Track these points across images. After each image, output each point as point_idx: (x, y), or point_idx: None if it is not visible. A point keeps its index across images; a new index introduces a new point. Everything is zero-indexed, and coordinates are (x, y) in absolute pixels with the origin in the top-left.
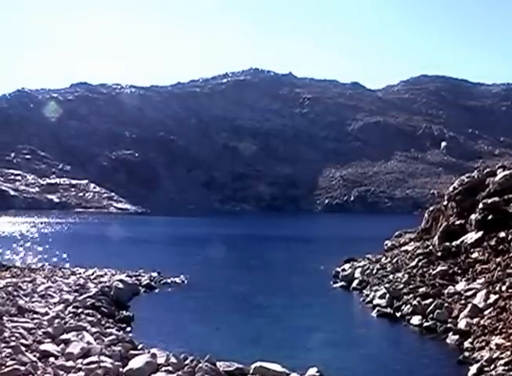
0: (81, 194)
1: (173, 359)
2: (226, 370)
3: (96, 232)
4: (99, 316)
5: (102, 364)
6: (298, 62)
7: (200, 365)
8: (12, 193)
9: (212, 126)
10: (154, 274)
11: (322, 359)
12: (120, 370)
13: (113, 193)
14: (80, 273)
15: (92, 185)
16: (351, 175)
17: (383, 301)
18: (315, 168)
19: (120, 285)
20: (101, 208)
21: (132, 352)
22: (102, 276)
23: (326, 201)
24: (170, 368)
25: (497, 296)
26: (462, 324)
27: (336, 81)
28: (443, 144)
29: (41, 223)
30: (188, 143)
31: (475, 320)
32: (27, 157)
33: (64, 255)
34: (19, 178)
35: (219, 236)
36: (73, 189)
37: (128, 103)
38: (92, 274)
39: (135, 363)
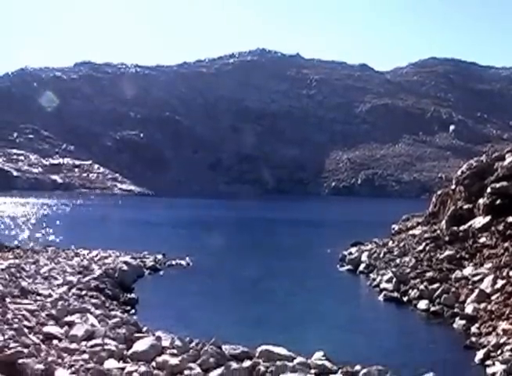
0: (84, 175)
1: (178, 342)
2: (232, 354)
3: (100, 213)
4: (103, 298)
5: (106, 347)
6: (306, 43)
7: (206, 348)
8: (15, 173)
9: (218, 107)
10: (159, 256)
11: (328, 343)
12: (125, 352)
13: (117, 174)
14: (83, 255)
15: (96, 165)
16: (359, 157)
17: (390, 286)
18: (322, 151)
19: (125, 267)
20: (105, 189)
21: (137, 334)
22: (106, 257)
23: (333, 184)
24: (175, 351)
25: (504, 281)
26: (469, 309)
27: (344, 62)
28: (451, 128)
29: (44, 204)
30: (193, 124)
31: (482, 305)
32: (30, 136)
33: (67, 237)
34: (21, 158)
35: (225, 218)
36: (76, 170)
37: (132, 82)
38: (96, 256)
39: (140, 345)
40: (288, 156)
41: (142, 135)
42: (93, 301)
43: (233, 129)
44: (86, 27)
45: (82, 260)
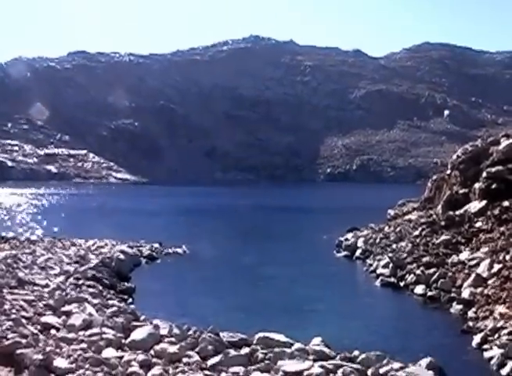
0: (79, 164)
1: (176, 330)
2: (230, 341)
3: (96, 202)
4: (101, 288)
5: (104, 336)
6: (299, 29)
7: (203, 336)
8: (10, 163)
9: (213, 95)
10: (156, 245)
11: (326, 329)
12: (123, 341)
13: (112, 163)
14: (80, 244)
15: (91, 155)
16: (354, 143)
17: (386, 271)
18: (317, 137)
19: (122, 256)
20: (100, 179)
21: (134, 323)
22: (102, 247)
23: (329, 170)
24: (173, 339)
25: (501, 265)
26: (466, 294)
27: (338, 48)
28: (446, 113)
29: (40, 194)
30: (188, 112)
31: (479, 290)
32: (25, 127)
33: (63, 227)
34: (16, 148)
35: (221, 206)
36: (71, 160)
37: (126, 71)
38: (93, 245)
39: (138, 334)
40: (283, 143)
41: (136, 124)
42: (90, 290)
43: (228, 117)
44: (79, 16)
45: (79, 250)
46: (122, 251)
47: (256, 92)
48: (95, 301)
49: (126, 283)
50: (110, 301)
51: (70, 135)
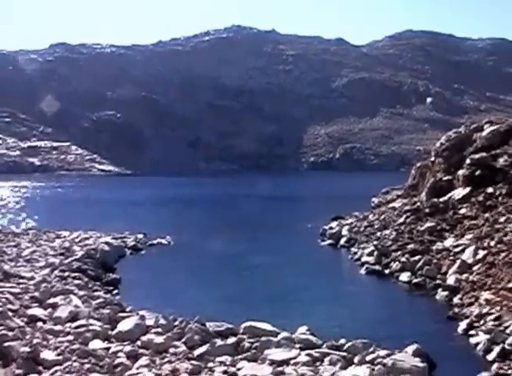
0: (63, 157)
1: (162, 321)
2: (216, 331)
3: (80, 194)
4: (86, 279)
5: (90, 327)
6: (281, 18)
7: (190, 326)
8: None
9: (195, 85)
10: (140, 236)
11: (312, 318)
12: (109, 332)
13: (95, 155)
14: (65, 237)
15: (74, 147)
16: (337, 132)
17: (371, 259)
18: (300, 126)
19: (106, 247)
20: (84, 170)
21: (121, 314)
22: (87, 238)
23: (312, 159)
24: (159, 330)
25: (486, 252)
26: (451, 280)
27: (320, 37)
28: (429, 100)
29: (23, 187)
30: (171, 103)
31: (464, 276)
32: (7, 120)
33: (48, 219)
34: None
35: (205, 196)
36: (54, 152)
37: (109, 62)
38: (77, 237)
39: (124, 325)
40: (266, 132)
41: (119, 115)
42: (76, 282)
43: (211, 107)
44: (60, 7)
45: (64, 242)
46: (107, 243)
47: (239, 81)
48: (81, 292)
49: (111, 275)
50: (96, 293)
51: (52, 127)
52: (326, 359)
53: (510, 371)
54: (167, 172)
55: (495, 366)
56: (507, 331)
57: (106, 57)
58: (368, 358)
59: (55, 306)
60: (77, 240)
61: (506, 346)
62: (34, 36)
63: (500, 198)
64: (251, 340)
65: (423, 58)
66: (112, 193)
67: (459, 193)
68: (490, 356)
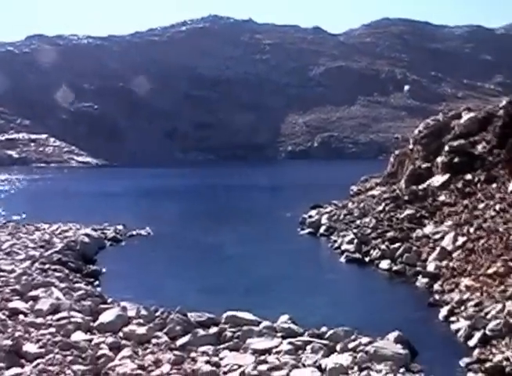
0: (41, 149)
1: (144, 312)
2: (198, 321)
3: (58, 186)
4: (67, 271)
5: (72, 319)
6: (258, 7)
7: (171, 316)
8: None
9: (172, 75)
10: (120, 227)
11: (293, 306)
12: (91, 324)
13: (73, 147)
14: (44, 229)
15: (52, 139)
16: (314, 121)
17: (351, 247)
18: (277, 115)
19: (86, 239)
20: (62, 162)
21: (102, 306)
22: (67, 230)
23: (290, 148)
24: (141, 321)
25: (465, 238)
26: (431, 267)
27: (297, 26)
28: (406, 88)
29: (2, 180)
30: (148, 93)
31: (444, 263)
32: None
33: (27, 212)
34: None
35: (183, 186)
36: (32, 144)
37: (85, 53)
38: (57, 229)
39: (106, 316)
40: (244, 122)
41: (96, 106)
42: (57, 274)
43: (188, 97)
44: None
45: (43, 234)
46: (87, 234)
47: (216, 71)
48: (62, 285)
49: (92, 266)
50: (77, 285)
51: (30, 119)
52: (308, 348)
53: (491, 357)
54: (144, 163)
55: (476, 352)
56: (488, 317)
57: (83, 48)
58: (350, 345)
59: (36, 299)
60: (56, 232)
61: (487, 332)
62: (10, 28)
63: (479, 185)
64: (233, 329)
65: (400, 46)
66: (90, 185)
67: (438, 180)
68: (471, 342)
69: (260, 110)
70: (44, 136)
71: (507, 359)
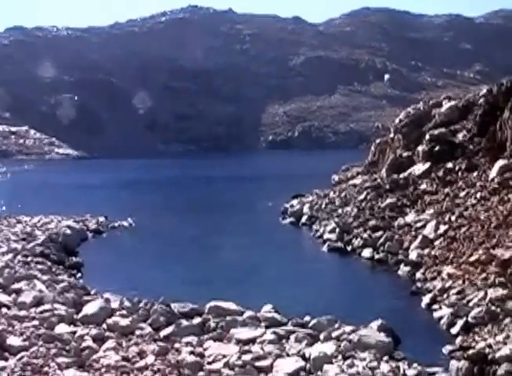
0: (21, 141)
1: (127, 303)
2: (181, 311)
3: (39, 179)
4: (49, 264)
5: (55, 312)
6: None
7: (155, 307)
8: None
9: (152, 67)
10: (101, 219)
11: (276, 296)
12: (75, 316)
13: (54, 139)
14: (26, 221)
15: (33, 131)
16: (295, 110)
17: (333, 236)
18: (258, 105)
19: (68, 231)
20: (42, 155)
21: (85, 297)
22: (48, 223)
23: (270, 138)
24: (124, 312)
25: (447, 226)
26: (413, 255)
27: (277, 16)
28: (386, 77)
29: None
30: (128, 85)
31: (426, 251)
32: None
33: (8, 204)
34: None
35: (164, 178)
36: (13, 137)
37: (65, 45)
38: (39, 222)
39: (89, 308)
40: (224, 112)
41: (76, 98)
42: (39, 266)
43: (168, 88)
44: None
45: (25, 227)
46: (68, 226)
47: (196, 62)
48: (45, 277)
49: (74, 258)
50: (60, 277)
51: (10, 111)
52: (292, 337)
53: (473, 344)
54: (125, 155)
55: (458, 339)
56: (470, 305)
57: (63, 40)
58: (333, 334)
59: (19, 292)
60: (38, 224)
61: (470, 319)
62: None
63: (460, 173)
64: (217, 320)
65: (379, 35)
66: (71, 177)
67: (419, 168)
68: (454, 330)
69: (240, 101)
70: (24, 128)
71: (489, 346)
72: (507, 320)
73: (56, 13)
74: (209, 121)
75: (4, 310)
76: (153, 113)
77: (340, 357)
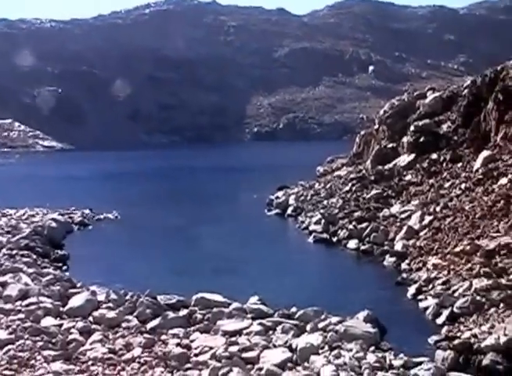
0: (5, 134)
1: (113, 296)
2: (168, 303)
3: (24, 171)
4: (35, 257)
5: (41, 305)
6: None
7: (141, 299)
8: None
9: (135, 57)
10: (86, 211)
11: (262, 287)
12: (61, 309)
13: (38, 131)
14: (10, 214)
15: (17, 123)
16: (280, 102)
17: (318, 227)
18: (242, 97)
19: (53, 224)
20: (27, 147)
21: (71, 290)
22: (33, 215)
23: (255, 130)
24: (111, 305)
25: (432, 217)
26: (398, 246)
27: (261, 7)
28: (370, 68)
29: None
30: (111, 76)
31: (411, 242)
32: None
33: None
34: None
35: (149, 169)
36: None
37: (48, 37)
38: (24, 215)
39: (75, 301)
40: (208, 103)
41: (60, 90)
42: (25, 260)
43: (151, 79)
44: None
45: (10, 220)
46: (54, 219)
47: (179, 53)
48: (30, 270)
49: (60, 251)
50: (46, 270)
51: None
52: (279, 328)
53: (459, 334)
54: (109, 147)
55: (444, 329)
56: (455, 295)
57: (46, 32)
58: (320, 325)
59: (4, 285)
60: (23, 217)
61: (455, 310)
62: None
63: (444, 164)
64: (203, 311)
65: (363, 26)
66: (56, 169)
67: (403, 159)
68: (439, 320)
69: (224, 92)
70: (8, 121)
71: (475, 336)
72: (492, 310)
73: (40, 6)
74: (192, 111)
75: None
76: (136, 103)
77: (326, 348)
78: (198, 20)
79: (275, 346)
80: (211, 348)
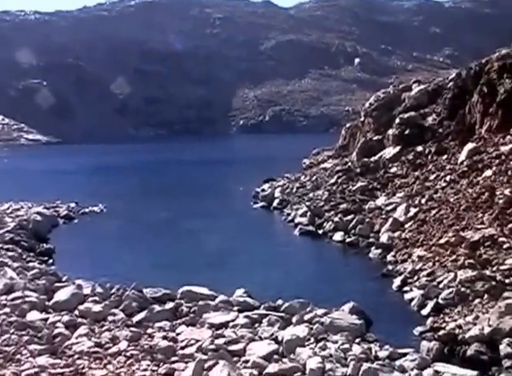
0: None
1: (99, 289)
2: (153, 297)
3: (8, 165)
4: (20, 251)
5: (27, 299)
6: None
7: (127, 293)
8: None
9: (122, 50)
10: (72, 205)
11: (248, 280)
12: (46, 303)
13: (23, 125)
14: None
15: (1, 117)
16: (266, 94)
17: (304, 220)
18: (229, 89)
19: (39, 217)
20: (11, 140)
21: (57, 284)
22: (18, 209)
23: (241, 122)
24: (96, 298)
25: (417, 209)
26: (384, 238)
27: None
28: (356, 61)
29: None
30: (98, 69)
31: (397, 234)
32: None
33: None
34: None
35: (136, 162)
36: None
37: (33, 29)
38: (8, 208)
39: (61, 295)
40: (195, 96)
41: (45, 83)
42: (10, 254)
43: (138, 72)
44: None
45: None
46: (39, 213)
47: (165, 46)
48: (16, 264)
49: (45, 245)
50: (31, 264)
51: None
52: (265, 321)
53: (444, 325)
54: (96, 140)
55: (429, 320)
56: (440, 286)
57: (31, 24)
58: (306, 317)
59: None
60: (8, 211)
61: (440, 301)
62: None
63: (430, 156)
64: (189, 304)
65: (350, 19)
66: (41, 163)
67: (389, 152)
68: (424, 311)
69: (211, 84)
70: None
71: (460, 326)
72: (477, 301)
73: None
74: (179, 104)
75: None
76: (123, 96)
77: (312, 340)
78: (184, 13)
79: (261, 339)
80: (197, 340)
